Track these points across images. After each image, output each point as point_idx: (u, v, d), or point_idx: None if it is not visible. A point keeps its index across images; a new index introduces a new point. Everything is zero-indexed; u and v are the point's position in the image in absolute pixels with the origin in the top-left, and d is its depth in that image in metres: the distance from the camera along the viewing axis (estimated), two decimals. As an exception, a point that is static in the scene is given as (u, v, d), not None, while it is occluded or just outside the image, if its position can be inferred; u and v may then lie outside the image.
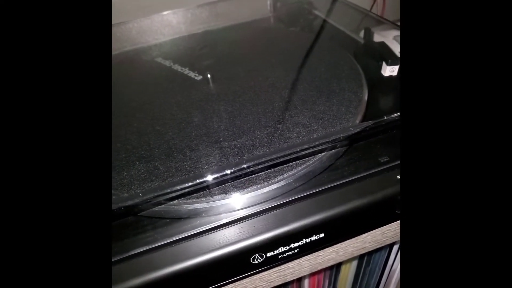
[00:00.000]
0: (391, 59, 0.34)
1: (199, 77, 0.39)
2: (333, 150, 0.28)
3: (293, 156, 0.25)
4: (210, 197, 0.25)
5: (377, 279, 0.46)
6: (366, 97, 0.33)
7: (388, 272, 0.46)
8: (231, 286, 0.28)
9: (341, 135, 0.26)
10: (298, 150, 0.25)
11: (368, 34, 0.40)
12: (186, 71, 0.41)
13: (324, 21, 0.50)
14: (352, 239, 0.30)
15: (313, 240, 0.26)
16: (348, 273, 0.43)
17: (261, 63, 0.40)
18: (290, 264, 0.29)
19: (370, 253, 0.42)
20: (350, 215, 0.26)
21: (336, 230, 0.26)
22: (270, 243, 0.24)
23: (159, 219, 0.26)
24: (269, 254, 0.25)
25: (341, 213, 0.25)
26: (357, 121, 0.30)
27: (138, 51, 0.49)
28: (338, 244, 0.30)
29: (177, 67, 0.42)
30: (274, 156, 0.24)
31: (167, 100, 0.36)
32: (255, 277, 0.29)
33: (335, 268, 0.41)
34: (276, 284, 0.31)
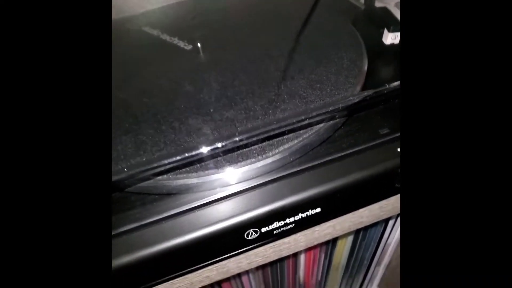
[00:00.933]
0: (393, 25, 0.32)
1: (189, 47, 0.37)
2: (331, 122, 0.26)
3: (289, 128, 0.24)
4: (202, 172, 0.24)
5: (372, 253, 0.47)
6: (366, 67, 0.31)
7: (383, 245, 0.46)
8: (225, 262, 0.28)
9: (340, 106, 0.24)
10: (294, 121, 0.23)
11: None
12: (176, 40, 0.38)
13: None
14: (349, 214, 0.29)
15: (310, 215, 0.25)
16: (344, 247, 0.43)
17: (255, 31, 0.38)
18: (286, 239, 0.29)
19: (366, 228, 0.42)
20: (348, 189, 0.25)
21: (334, 205, 0.25)
22: (265, 218, 0.23)
23: (149, 195, 0.25)
24: (264, 230, 0.24)
25: (338, 187, 0.24)
26: (357, 91, 0.28)
27: (124, 20, 0.46)
28: (335, 219, 0.29)
29: (166, 37, 0.39)
30: (268, 128, 0.23)
31: (155, 71, 0.34)
32: (250, 253, 0.28)
33: (331, 243, 0.41)
34: (272, 259, 0.31)
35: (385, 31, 0.33)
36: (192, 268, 0.25)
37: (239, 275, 0.38)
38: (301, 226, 0.25)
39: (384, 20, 0.33)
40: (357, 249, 0.44)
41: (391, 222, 0.43)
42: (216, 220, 0.23)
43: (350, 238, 0.42)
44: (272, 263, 0.40)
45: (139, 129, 0.27)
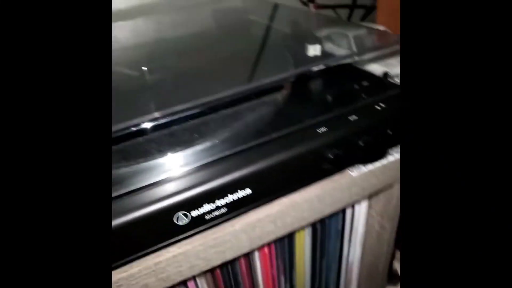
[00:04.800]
0: (312, 40, 0.37)
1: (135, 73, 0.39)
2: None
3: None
4: (129, 159, 0.24)
5: (339, 244, 0.45)
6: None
7: (349, 235, 0.45)
8: (163, 265, 0.26)
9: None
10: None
11: (296, 25, 0.43)
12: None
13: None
14: (288, 206, 0.30)
15: (240, 198, 0.25)
16: (303, 241, 0.41)
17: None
18: (226, 237, 0.28)
19: (322, 221, 0.41)
20: (274, 169, 0.26)
21: (262, 186, 0.26)
22: (193, 200, 0.24)
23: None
24: (194, 213, 0.24)
25: (265, 167, 0.25)
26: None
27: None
28: (273, 213, 0.29)
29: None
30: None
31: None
32: (189, 254, 0.27)
33: (287, 239, 0.40)
34: (216, 262, 0.30)
35: (306, 45, 0.37)
36: (124, 260, 0.24)
37: (184, 284, 0.35)
38: (233, 210, 0.26)
39: (306, 38, 0.38)
40: (320, 242, 0.43)
41: (348, 213, 0.42)
42: (142, 204, 0.23)
43: (308, 231, 0.41)
44: (222, 270, 0.38)
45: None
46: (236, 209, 0.26)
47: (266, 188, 0.26)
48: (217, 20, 0.56)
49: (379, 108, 0.29)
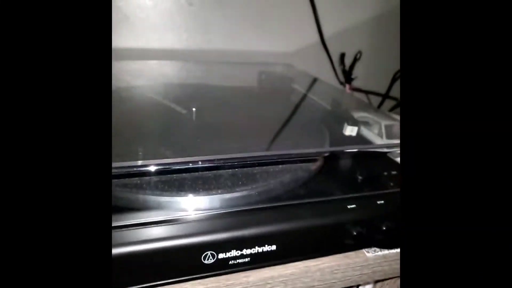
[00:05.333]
0: (351, 121, 0.40)
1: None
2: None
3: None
4: (171, 192, 0.27)
5: None
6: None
7: None
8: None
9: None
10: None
11: (336, 103, 0.48)
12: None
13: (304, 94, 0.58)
14: (301, 271, 0.31)
15: (265, 251, 0.27)
16: None
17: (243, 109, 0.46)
18: (238, 286, 0.29)
19: None
20: (302, 232, 0.27)
21: (287, 245, 0.27)
22: (223, 242, 0.25)
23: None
24: (220, 256, 0.25)
25: (294, 228, 0.27)
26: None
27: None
28: (287, 274, 0.30)
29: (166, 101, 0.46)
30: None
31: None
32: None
33: None
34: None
35: (345, 125, 0.41)
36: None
37: None
38: (255, 261, 0.27)
39: (345, 118, 0.42)
40: None
41: None
42: (176, 235, 0.24)
43: None
44: None
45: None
46: (258, 261, 0.27)
47: (290, 248, 0.28)
48: (262, 81, 0.61)
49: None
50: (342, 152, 0.31)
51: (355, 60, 0.73)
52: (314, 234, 0.28)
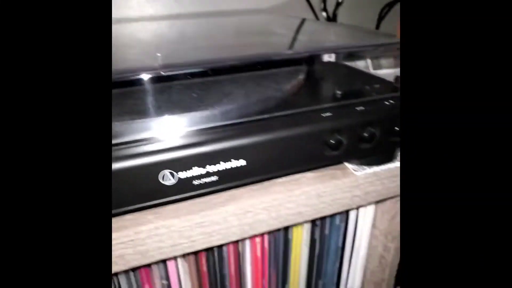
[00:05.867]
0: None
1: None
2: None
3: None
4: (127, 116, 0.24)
5: (338, 264, 0.41)
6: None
7: (350, 255, 0.42)
8: (145, 230, 0.25)
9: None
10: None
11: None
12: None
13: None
14: (284, 195, 0.28)
15: (234, 168, 0.24)
16: (300, 241, 0.38)
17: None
18: (215, 217, 0.27)
19: (322, 235, 0.39)
20: (272, 144, 0.25)
21: (258, 159, 0.25)
22: (182, 159, 0.23)
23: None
24: (181, 175, 0.23)
25: (262, 140, 0.24)
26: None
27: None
28: (268, 200, 0.28)
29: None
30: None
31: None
32: (172, 226, 0.26)
33: (283, 233, 0.37)
34: (201, 246, 0.28)
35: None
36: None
37: (164, 264, 0.33)
38: (224, 179, 0.24)
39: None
40: (317, 259, 0.39)
41: (351, 226, 0.39)
42: (129, 155, 0.22)
43: (307, 229, 0.37)
44: (208, 258, 0.35)
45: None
46: (228, 180, 0.25)
47: (262, 162, 0.25)
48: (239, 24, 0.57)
49: (387, 103, 0.29)
50: (316, 56, 0.28)
51: (338, 4, 0.69)
52: (288, 146, 0.25)
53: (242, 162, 0.24)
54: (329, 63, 0.39)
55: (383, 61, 0.49)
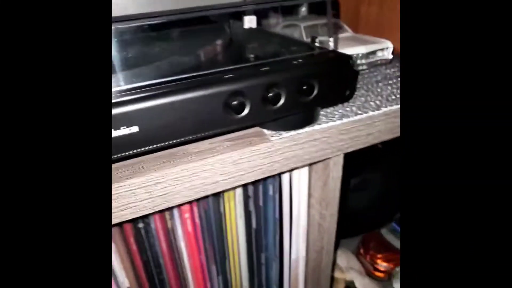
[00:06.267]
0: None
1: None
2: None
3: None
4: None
5: (278, 236, 0.41)
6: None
7: (289, 227, 0.41)
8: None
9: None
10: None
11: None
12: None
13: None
14: (197, 164, 0.27)
15: (126, 135, 0.23)
16: (233, 213, 0.37)
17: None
18: (122, 189, 0.26)
19: (257, 207, 0.38)
20: (164, 109, 0.24)
21: (152, 126, 0.24)
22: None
23: None
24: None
25: (154, 105, 0.23)
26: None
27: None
28: (179, 170, 0.27)
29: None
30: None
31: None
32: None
33: (214, 204, 0.36)
34: (112, 222, 0.27)
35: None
36: None
37: None
38: (118, 151, 0.23)
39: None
40: (255, 216, 0.39)
41: (286, 185, 0.39)
42: None
43: (240, 201, 0.37)
44: (135, 236, 0.34)
45: None
46: (120, 149, 0.23)
47: (156, 129, 0.24)
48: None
49: (295, 62, 0.28)
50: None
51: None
52: (185, 110, 0.24)
53: (134, 129, 0.23)
54: (251, 29, 0.38)
55: (319, 30, 0.48)
